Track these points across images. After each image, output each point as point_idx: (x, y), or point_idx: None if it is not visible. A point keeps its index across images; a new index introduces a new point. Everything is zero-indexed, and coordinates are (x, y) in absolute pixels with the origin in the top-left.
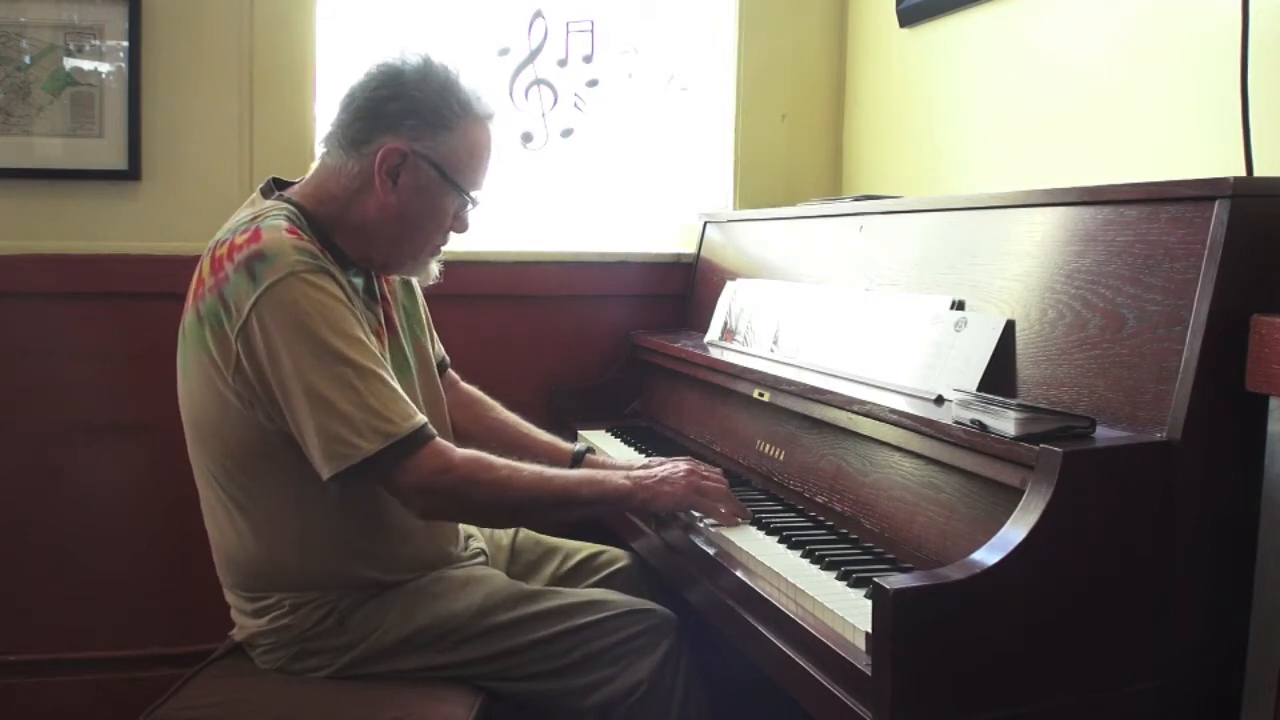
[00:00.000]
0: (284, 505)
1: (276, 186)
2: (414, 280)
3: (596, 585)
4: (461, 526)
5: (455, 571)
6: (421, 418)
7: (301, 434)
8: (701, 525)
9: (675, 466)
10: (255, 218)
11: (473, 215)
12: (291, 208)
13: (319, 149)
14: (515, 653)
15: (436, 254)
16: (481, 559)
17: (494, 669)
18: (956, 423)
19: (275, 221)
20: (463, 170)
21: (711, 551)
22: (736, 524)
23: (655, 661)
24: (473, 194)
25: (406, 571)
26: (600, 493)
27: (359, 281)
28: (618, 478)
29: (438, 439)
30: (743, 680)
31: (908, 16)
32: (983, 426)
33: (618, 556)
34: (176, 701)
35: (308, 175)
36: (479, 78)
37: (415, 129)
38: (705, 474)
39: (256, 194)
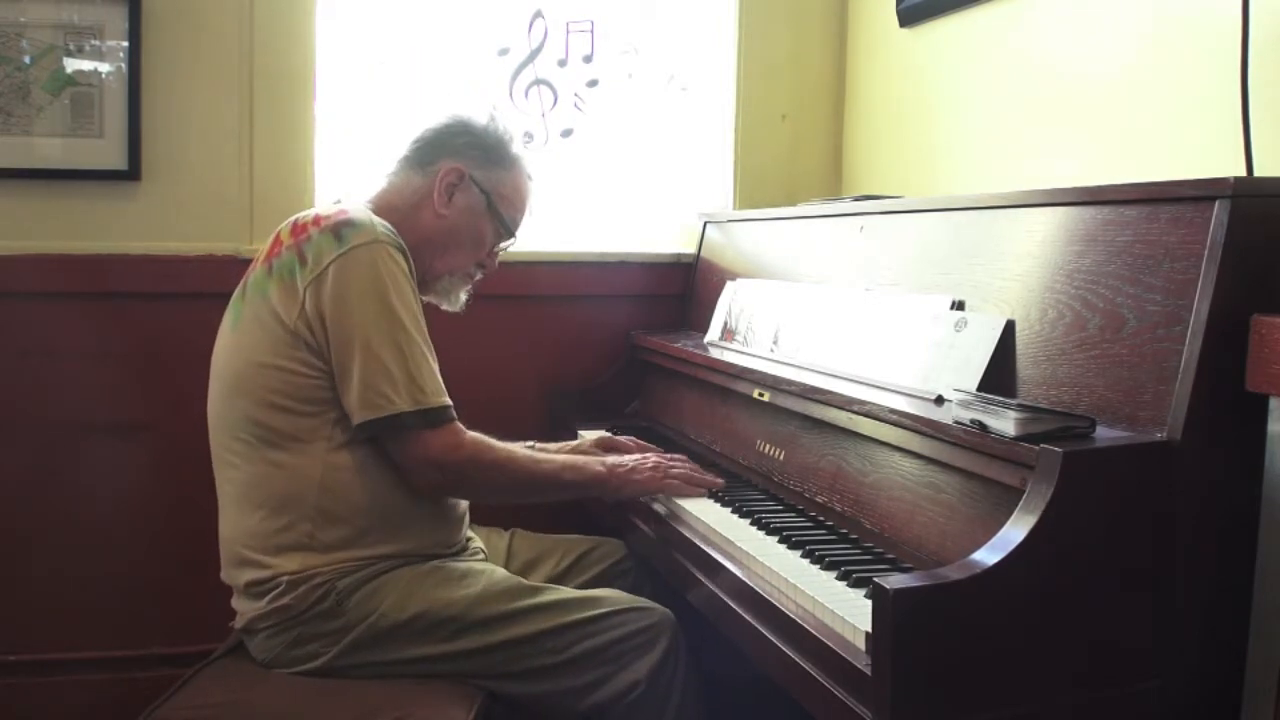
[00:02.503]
0: (311, 452)
1: None
2: None
3: (594, 580)
4: (467, 526)
5: (455, 563)
6: (449, 400)
7: (345, 380)
8: (699, 522)
9: (644, 457)
10: (339, 203)
11: (501, 256)
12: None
13: (386, 171)
14: (513, 645)
15: (469, 282)
16: (480, 556)
17: (491, 662)
18: (956, 423)
19: (360, 205)
20: (506, 204)
21: (710, 550)
22: (703, 494)
23: (653, 661)
24: (511, 228)
25: (413, 543)
26: (580, 478)
27: None
28: (595, 464)
29: (456, 422)
30: (742, 679)
31: (908, 16)
32: (983, 426)
33: (614, 550)
34: (176, 701)
35: (372, 192)
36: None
37: (475, 159)
38: (670, 460)
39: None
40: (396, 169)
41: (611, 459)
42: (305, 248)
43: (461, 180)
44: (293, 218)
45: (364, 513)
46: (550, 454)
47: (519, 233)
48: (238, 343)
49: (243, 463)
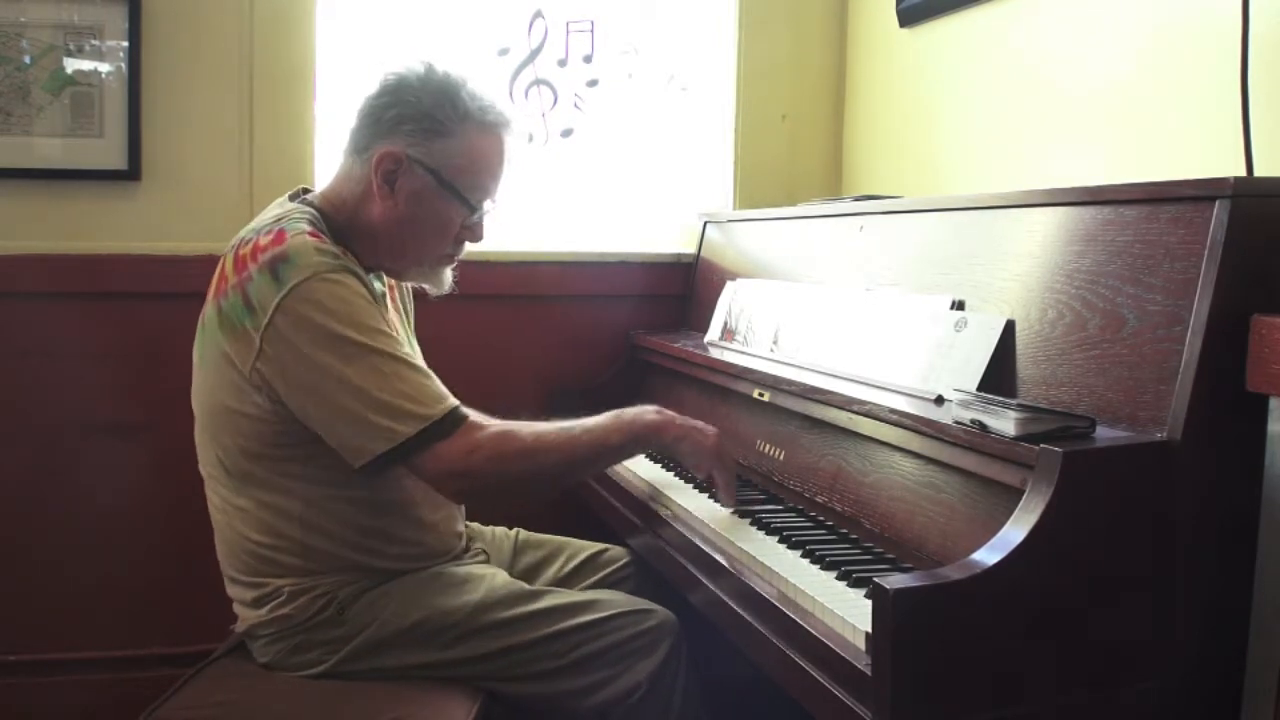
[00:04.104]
0: (289, 491)
1: (305, 194)
2: (410, 303)
3: (598, 584)
4: (463, 525)
5: (456, 568)
6: (453, 400)
7: (330, 427)
8: (700, 524)
9: (708, 425)
10: (279, 219)
11: (488, 224)
12: (314, 211)
13: (341, 152)
14: (514, 651)
15: (448, 263)
16: (483, 559)
17: (493, 668)
18: (956, 423)
19: (298, 224)
20: (462, 177)
21: (710, 551)
22: (732, 501)
23: (655, 664)
24: (475, 201)
25: (408, 561)
26: (631, 434)
27: (378, 286)
28: (648, 414)
29: (469, 420)
30: (743, 679)
31: (908, 16)
32: (983, 426)
33: (619, 555)
34: (176, 701)
35: (329, 181)
36: (489, 86)
37: (411, 134)
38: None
39: (284, 197)
40: (346, 149)
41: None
42: (249, 289)
43: (400, 165)
44: (236, 241)
45: (349, 542)
46: (587, 422)
47: (497, 196)
48: (205, 383)
49: (227, 492)
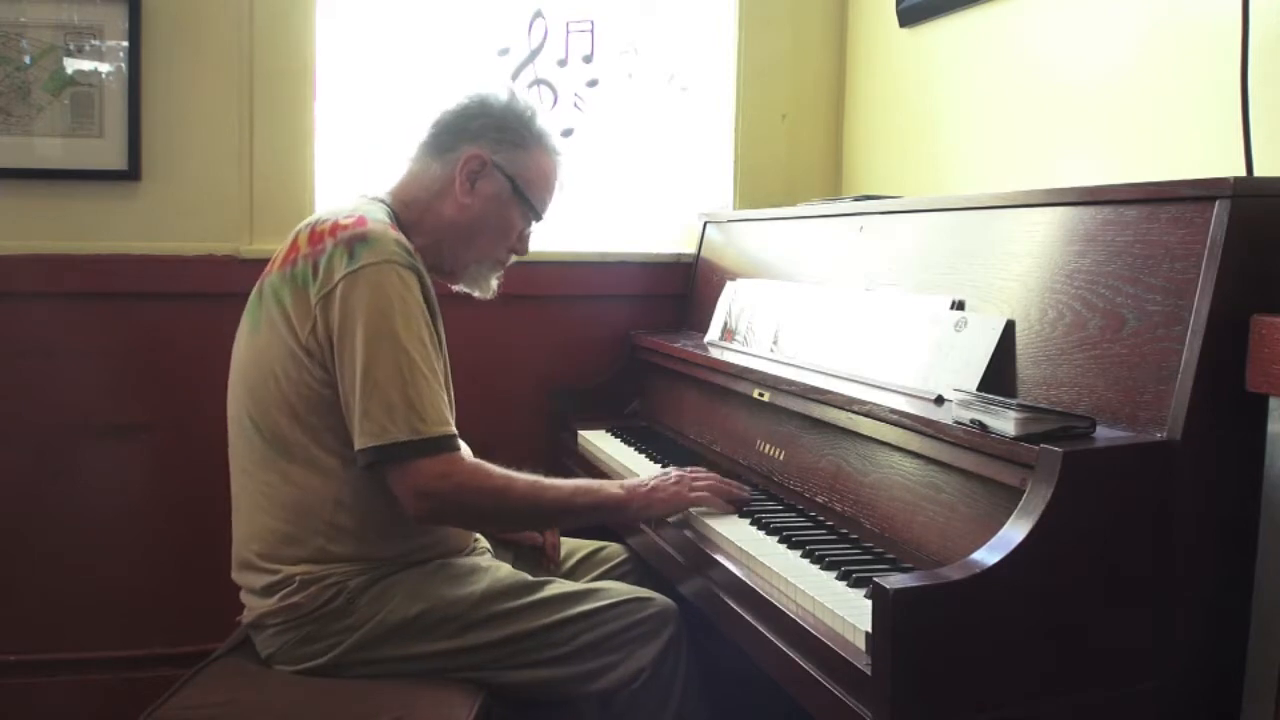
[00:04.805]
0: (324, 467)
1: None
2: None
3: (596, 579)
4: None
5: (461, 559)
6: (452, 429)
7: (348, 405)
8: (699, 523)
9: (665, 474)
10: (357, 208)
11: (532, 239)
12: (389, 208)
13: (407, 157)
14: (519, 640)
15: (499, 268)
16: (487, 555)
17: (497, 656)
18: (956, 423)
19: (379, 215)
20: (533, 188)
21: (710, 551)
22: (732, 511)
23: (657, 649)
24: (539, 211)
25: (424, 551)
26: (595, 502)
27: None
28: (612, 487)
29: (455, 452)
30: (743, 671)
31: (908, 16)
32: (983, 426)
33: (617, 552)
34: (177, 701)
35: (394, 183)
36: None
37: (496, 142)
38: (693, 475)
39: (355, 197)
40: (417, 156)
41: (631, 480)
42: (320, 260)
43: (484, 167)
44: (311, 220)
45: (376, 527)
46: (559, 481)
47: (548, 213)
48: (256, 348)
49: (257, 470)
